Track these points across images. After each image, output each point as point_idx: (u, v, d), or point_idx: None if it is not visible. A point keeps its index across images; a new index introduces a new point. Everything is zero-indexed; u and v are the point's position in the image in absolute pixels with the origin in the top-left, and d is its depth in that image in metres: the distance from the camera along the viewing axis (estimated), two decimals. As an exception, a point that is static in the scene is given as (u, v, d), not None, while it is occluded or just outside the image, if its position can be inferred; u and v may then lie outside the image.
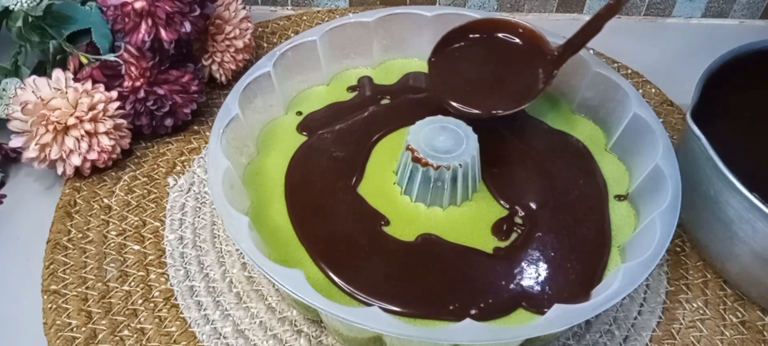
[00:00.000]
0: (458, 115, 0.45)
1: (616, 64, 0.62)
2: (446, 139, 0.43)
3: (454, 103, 0.46)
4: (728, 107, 0.48)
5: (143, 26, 0.47)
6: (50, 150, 0.47)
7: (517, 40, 0.49)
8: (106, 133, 0.48)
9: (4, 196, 0.50)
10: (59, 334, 0.41)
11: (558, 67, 0.47)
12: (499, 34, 0.49)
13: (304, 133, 0.48)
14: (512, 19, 0.49)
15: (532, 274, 0.40)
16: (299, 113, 0.49)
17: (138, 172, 0.51)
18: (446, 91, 0.47)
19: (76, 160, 0.48)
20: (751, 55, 0.48)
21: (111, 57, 0.49)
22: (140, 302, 0.43)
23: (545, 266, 0.40)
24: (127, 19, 0.47)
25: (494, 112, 0.46)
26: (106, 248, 0.46)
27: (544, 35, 0.48)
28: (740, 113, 0.50)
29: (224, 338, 0.42)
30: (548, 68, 0.47)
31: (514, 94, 0.47)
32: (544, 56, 0.47)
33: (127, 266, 0.45)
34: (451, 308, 0.38)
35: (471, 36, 0.49)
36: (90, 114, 0.47)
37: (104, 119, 0.48)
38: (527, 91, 0.47)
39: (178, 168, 0.51)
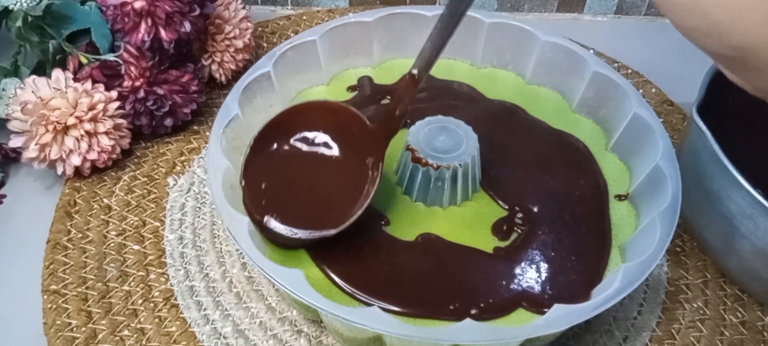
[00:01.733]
0: (287, 241, 0.40)
1: (616, 64, 0.62)
2: (446, 140, 0.43)
3: (282, 230, 0.39)
4: (733, 104, 0.48)
5: (143, 26, 0.47)
6: (50, 150, 0.47)
7: (330, 129, 0.42)
8: (106, 133, 0.48)
9: (4, 196, 0.50)
10: (59, 334, 0.41)
11: (381, 153, 0.40)
12: (312, 131, 0.42)
13: (304, 133, 0.47)
14: (319, 102, 0.43)
15: (532, 274, 0.40)
16: (299, 113, 0.49)
17: (138, 172, 0.51)
18: (271, 211, 0.40)
19: (76, 160, 0.48)
20: None
21: (111, 57, 0.49)
22: (140, 302, 0.43)
23: (545, 265, 0.40)
24: (126, 19, 0.47)
25: (331, 230, 0.39)
26: (106, 248, 0.46)
27: (355, 113, 0.41)
28: (744, 110, 0.49)
29: (224, 338, 0.42)
30: (373, 154, 0.41)
31: (348, 195, 0.40)
32: (364, 141, 0.41)
33: (127, 266, 0.45)
34: (451, 308, 0.38)
35: (280, 139, 0.42)
36: (90, 114, 0.47)
37: (104, 119, 0.48)
38: (361, 186, 0.40)
39: (178, 168, 0.51)
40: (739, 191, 0.40)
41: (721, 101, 0.45)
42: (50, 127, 0.46)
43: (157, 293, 0.44)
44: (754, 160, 0.42)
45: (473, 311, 0.38)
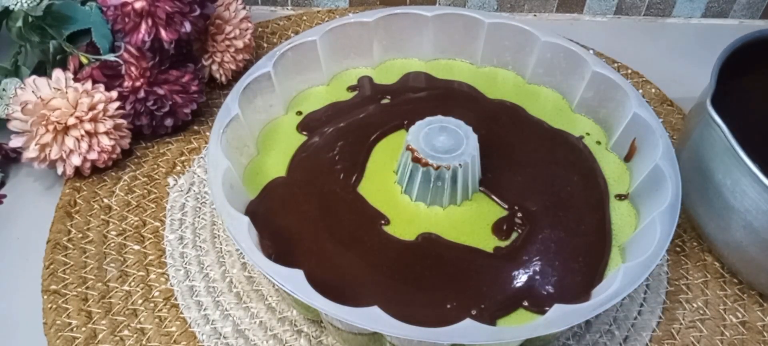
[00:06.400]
0: None
1: (616, 64, 0.62)
2: (446, 140, 0.43)
3: None
4: (741, 95, 0.47)
5: (143, 26, 0.47)
6: (50, 150, 0.47)
7: None
8: (106, 133, 0.48)
9: (4, 196, 0.50)
10: (59, 334, 0.41)
11: None
12: None
13: (304, 133, 0.48)
14: None
15: (533, 274, 0.40)
16: (299, 113, 0.49)
17: (138, 172, 0.51)
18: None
19: (76, 160, 0.48)
20: (762, 42, 0.47)
21: (111, 57, 0.49)
22: (140, 302, 0.43)
23: (545, 265, 0.40)
24: (127, 19, 0.47)
25: None
26: (106, 248, 0.46)
27: None
28: (752, 102, 0.49)
29: (224, 338, 0.42)
30: None
31: None
32: None
33: (127, 266, 0.45)
34: (450, 307, 0.38)
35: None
36: (90, 114, 0.47)
37: (104, 119, 0.48)
38: None
39: (178, 168, 0.51)
40: (756, 186, 0.39)
41: (727, 94, 0.44)
42: (50, 128, 0.46)
43: (157, 293, 0.44)
44: (763, 153, 0.41)
45: (473, 311, 0.38)
